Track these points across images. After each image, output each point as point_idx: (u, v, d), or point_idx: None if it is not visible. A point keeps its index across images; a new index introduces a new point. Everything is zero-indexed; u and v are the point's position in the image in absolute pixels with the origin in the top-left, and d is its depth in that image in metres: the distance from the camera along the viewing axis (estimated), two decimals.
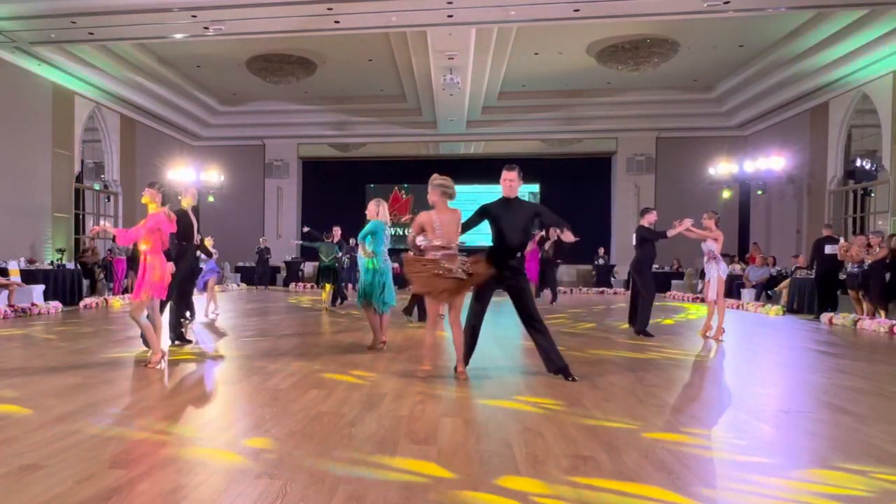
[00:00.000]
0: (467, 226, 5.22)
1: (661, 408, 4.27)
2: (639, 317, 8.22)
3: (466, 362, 5.18)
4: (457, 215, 5.14)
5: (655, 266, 11.29)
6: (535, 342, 5.23)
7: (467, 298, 5.25)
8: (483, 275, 4.99)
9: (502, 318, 9.02)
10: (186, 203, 6.86)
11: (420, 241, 5.10)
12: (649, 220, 8.29)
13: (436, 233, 5.01)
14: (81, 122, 15.70)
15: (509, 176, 5.17)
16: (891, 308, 10.31)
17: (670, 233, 7.93)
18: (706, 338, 8.11)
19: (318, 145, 21.62)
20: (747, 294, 14.54)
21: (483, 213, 5.21)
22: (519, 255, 5.21)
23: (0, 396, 4.35)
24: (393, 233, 9.46)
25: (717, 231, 8.12)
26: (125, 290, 14.19)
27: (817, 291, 11.66)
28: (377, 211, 6.68)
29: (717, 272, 8.07)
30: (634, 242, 8.42)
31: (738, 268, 15.91)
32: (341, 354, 6.37)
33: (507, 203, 5.19)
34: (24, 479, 2.75)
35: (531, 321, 5.17)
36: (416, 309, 9.56)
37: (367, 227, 6.58)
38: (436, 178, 5.16)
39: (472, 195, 23.53)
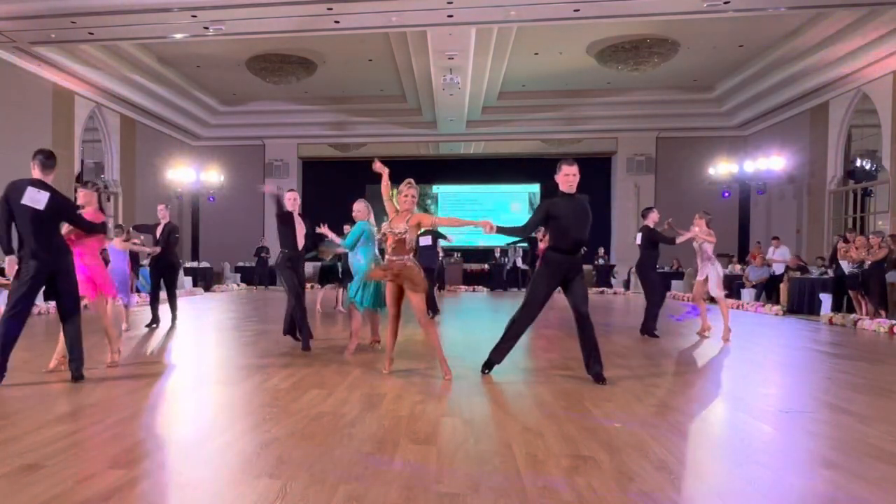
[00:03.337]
0: (533, 225, 5.17)
1: (661, 407, 4.27)
2: (647, 316, 8.24)
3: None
4: None
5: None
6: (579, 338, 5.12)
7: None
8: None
9: (503, 317, 8.99)
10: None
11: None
12: (653, 219, 8.32)
13: None
14: (81, 122, 15.70)
15: (572, 170, 5.09)
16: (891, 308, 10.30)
17: (679, 239, 8.02)
18: (704, 337, 8.12)
19: (318, 145, 21.61)
20: (747, 294, 14.53)
21: (547, 210, 5.09)
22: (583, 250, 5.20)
23: (0, 396, 4.35)
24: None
25: (709, 230, 8.11)
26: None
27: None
28: (365, 211, 6.55)
29: (715, 270, 8.07)
30: (639, 242, 8.39)
31: (738, 268, 15.89)
32: (341, 354, 6.36)
33: (570, 198, 5.09)
34: (24, 479, 2.75)
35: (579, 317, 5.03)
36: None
37: (355, 230, 6.39)
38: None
39: (472, 195, 23.68)
